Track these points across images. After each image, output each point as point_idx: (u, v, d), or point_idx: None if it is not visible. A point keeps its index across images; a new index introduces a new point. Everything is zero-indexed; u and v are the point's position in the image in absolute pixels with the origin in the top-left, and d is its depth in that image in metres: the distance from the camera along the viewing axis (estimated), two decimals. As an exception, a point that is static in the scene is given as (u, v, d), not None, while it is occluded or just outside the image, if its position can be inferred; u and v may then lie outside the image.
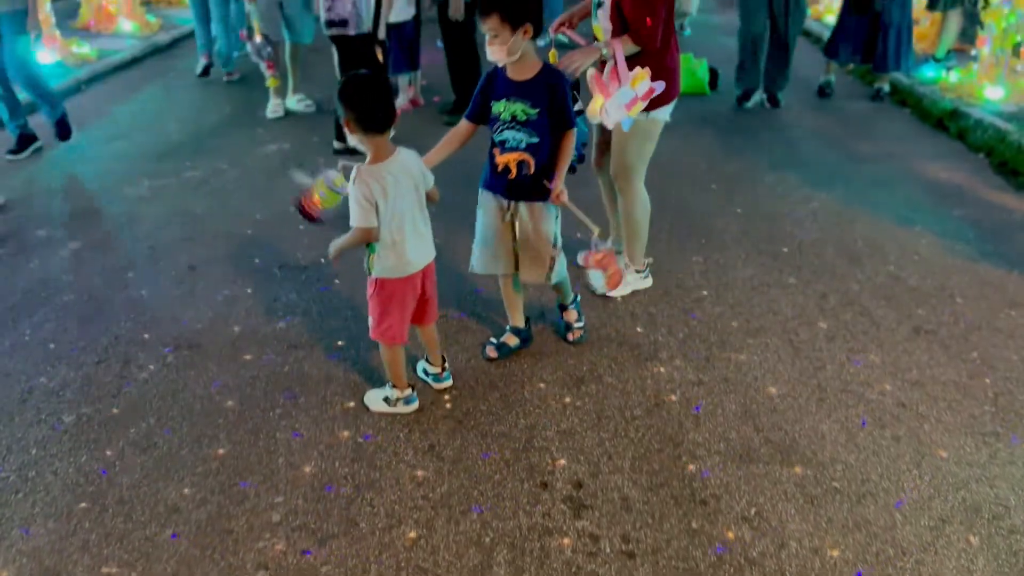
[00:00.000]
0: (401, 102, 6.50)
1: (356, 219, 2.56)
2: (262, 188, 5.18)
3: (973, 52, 6.77)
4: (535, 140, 2.88)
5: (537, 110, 2.84)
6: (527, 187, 2.95)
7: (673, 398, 3.02)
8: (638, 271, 3.86)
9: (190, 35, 9.48)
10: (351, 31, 5.35)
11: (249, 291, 3.86)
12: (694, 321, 3.58)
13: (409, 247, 2.67)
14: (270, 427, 2.86)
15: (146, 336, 3.47)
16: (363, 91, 2.52)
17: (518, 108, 2.86)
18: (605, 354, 3.32)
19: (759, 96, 6.82)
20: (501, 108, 2.89)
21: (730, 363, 3.25)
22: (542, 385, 3.11)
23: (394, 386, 2.91)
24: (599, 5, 3.42)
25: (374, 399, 2.95)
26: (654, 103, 3.37)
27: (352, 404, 2.98)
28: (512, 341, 3.31)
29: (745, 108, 6.80)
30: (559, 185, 2.88)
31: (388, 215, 2.58)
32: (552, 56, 3.21)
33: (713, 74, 7.27)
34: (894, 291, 3.84)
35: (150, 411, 2.96)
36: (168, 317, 3.62)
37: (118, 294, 3.84)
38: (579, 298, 3.45)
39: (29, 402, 3.02)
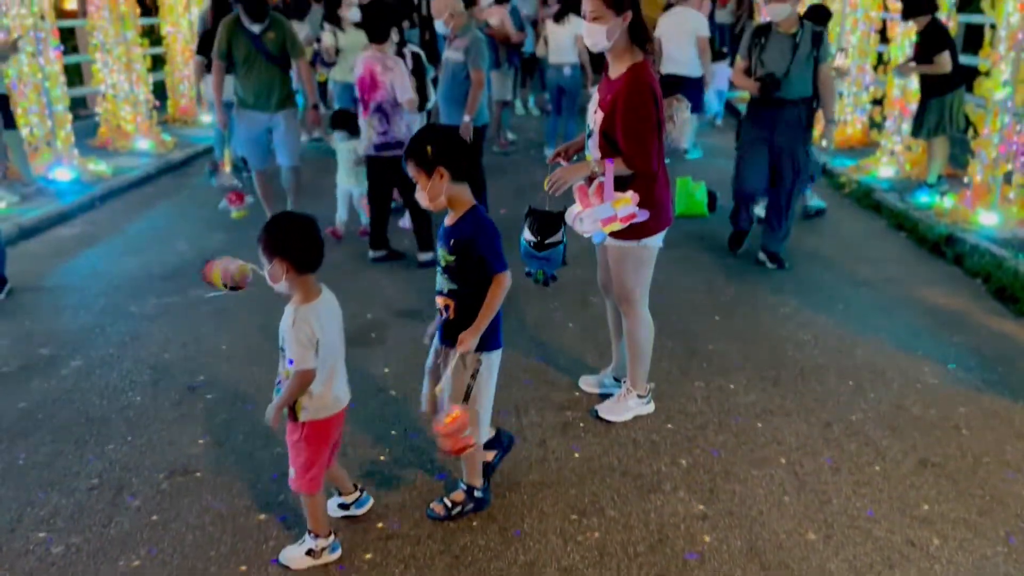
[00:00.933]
0: (406, 223, 6.64)
1: (301, 361, 2.49)
2: (266, 308, 5.22)
3: (966, 179, 6.94)
4: (454, 286, 2.78)
5: (453, 257, 2.73)
6: (449, 332, 2.83)
7: (677, 533, 2.95)
8: (640, 396, 3.84)
9: (204, 153, 9.80)
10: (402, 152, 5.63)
11: (248, 413, 3.83)
12: (697, 450, 3.54)
13: (338, 382, 2.66)
14: (262, 560, 2.79)
15: (141, 461, 3.43)
16: (299, 232, 2.51)
17: (442, 252, 2.78)
18: (608, 484, 3.26)
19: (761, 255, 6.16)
20: (439, 249, 2.84)
21: (735, 495, 3.19)
22: (542, 518, 3.04)
23: (317, 535, 2.75)
24: (590, 135, 3.48)
25: (295, 557, 2.75)
26: (644, 230, 3.44)
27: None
28: (458, 497, 3.05)
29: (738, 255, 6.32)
30: (467, 338, 2.70)
31: (324, 352, 2.54)
32: (547, 183, 3.28)
33: (711, 197, 7.43)
34: (898, 421, 3.80)
35: (141, 542, 2.89)
36: (165, 441, 3.59)
37: (116, 416, 3.82)
38: (480, 495, 3.07)
39: (18, 531, 2.96)
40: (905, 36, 8.25)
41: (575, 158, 3.63)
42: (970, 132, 7.16)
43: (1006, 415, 3.86)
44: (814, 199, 7.41)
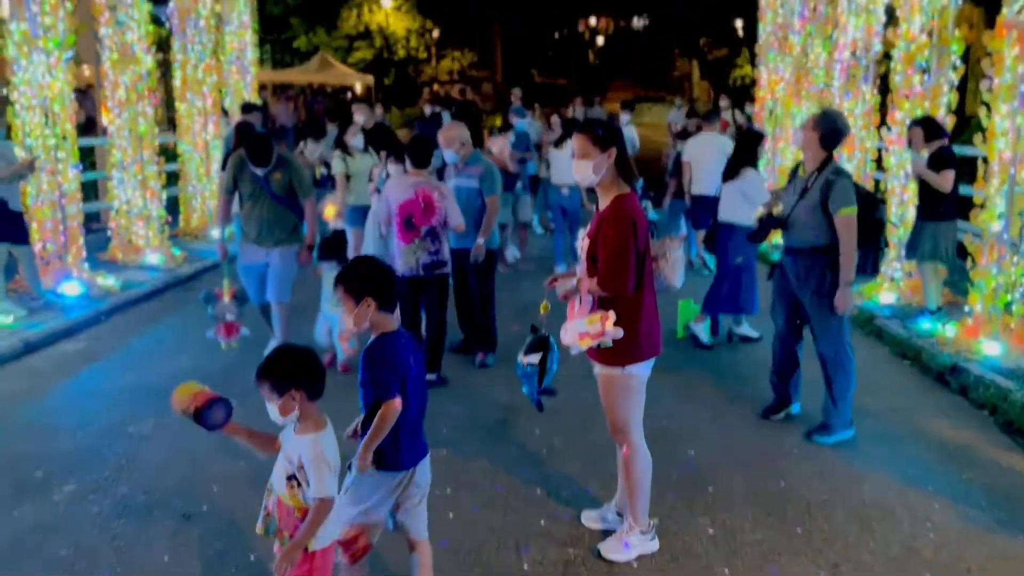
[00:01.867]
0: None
1: (326, 489, 2.54)
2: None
3: (967, 308, 6.98)
4: (363, 410, 2.92)
5: (359, 379, 2.91)
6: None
7: None
8: (643, 532, 3.75)
9: (213, 268, 9.93)
10: (448, 270, 6.03)
11: (245, 543, 3.74)
12: (703, 593, 3.43)
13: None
14: None
15: (130, 596, 3.32)
16: (308, 362, 2.61)
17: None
18: (609, 631, 3.14)
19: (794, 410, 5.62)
20: None
21: (742, 645, 3.07)
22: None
23: None
24: (579, 260, 3.68)
25: None
26: (628, 356, 3.51)
27: None
28: None
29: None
30: (363, 457, 2.82)
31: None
32: (543, 307, 3.55)
33: (713, 321, 7.47)
34: (908, 564, 3.70)
35: None
36: (157, 573, 3.49)
37: (107, 546, 3.73)
38: None
39: (-4, 674, 2.84)
40: (900, 167, 8.46)
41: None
42: (968, 262, 7.25)
43: (1018, 558, 3.75)
44: (745, 325, 7.43)
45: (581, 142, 3.49)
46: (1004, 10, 6.42)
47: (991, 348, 6.49)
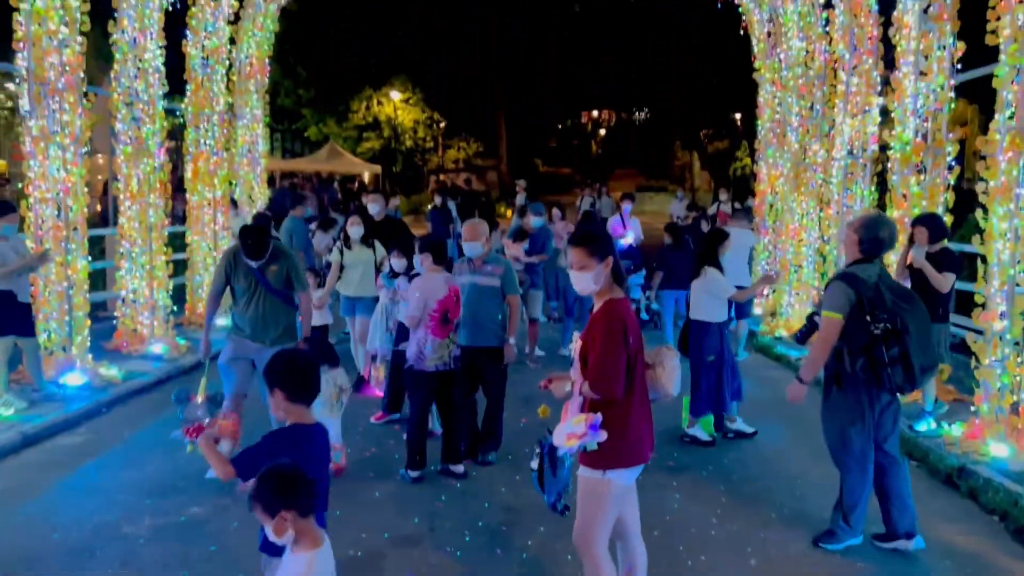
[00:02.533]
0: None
1: None
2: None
3: (972, 408, 6.93)
4: None
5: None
6: None
7: None
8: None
9: (215, 357, 9.92)
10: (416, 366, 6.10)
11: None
12: None
13: None
14: None
15: None
16: (298, 480, 2.56)
17: None
18: None
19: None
20: None
21: None
22: None
23: None
24: (572, 362, 3.72)
25: None
26: (610, 460, 3.49)
27: None
28: None
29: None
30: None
31: None
32: (541, 411, 3.71)
33: (717, 417, 7.41)
34: None
35: None
36: None
37: (95, 658, 3.62)
38: None
39: None
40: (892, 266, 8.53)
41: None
42: (972, 360, 7.23)
43: None
44: (739, 420, 7.39)
45: (579, 255, 3.58)
46: (996, 116, 6.59)
47: (999, 450, 6.41)
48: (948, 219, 8.00)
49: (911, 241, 7.68)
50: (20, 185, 8.43)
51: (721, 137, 39.09)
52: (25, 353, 7.68)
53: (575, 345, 3.70)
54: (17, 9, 7.94)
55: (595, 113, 68.37)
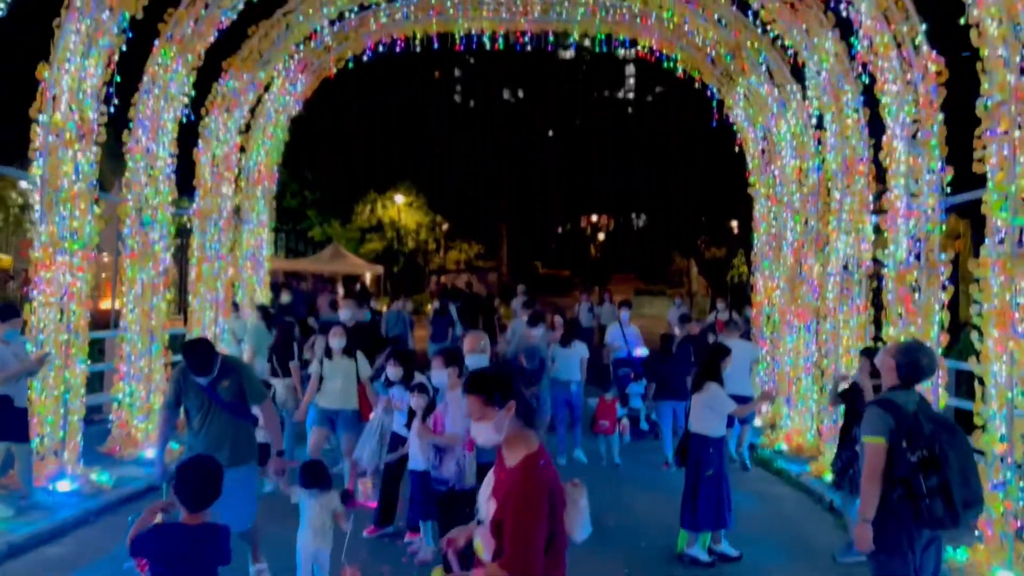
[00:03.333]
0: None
1: None
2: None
3: (976, 532, 6.81)
4: None
5: None
6: None
7: None
8: None
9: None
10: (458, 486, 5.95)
11: None
12: None
13: None
14: None
15: None
16: None
17: None
18: None
19: None
20: None
21: None
22: None
23: None
24: (480, 522, 3.23)
25: None
26: None
27: None
28: None
29: None
30: None
31: None
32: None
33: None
34: None
35: None
36: None
37: None
38: None
39: None
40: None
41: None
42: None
43: None
44: (724, 542, 7.19)
45: (474, 404, 3.17)
46: (987, 240, 6.74)
47: (1006, 577, 6.26)
48: (944, 339, 8.07)
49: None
50: (17, 283, 8.50)
51: (718, 244, 39.72)
52: (17, 458, 7.59)
53: (487, 504, 3.19)
54: (36, 120, 8.22)
55: (594, 217, 69.63)
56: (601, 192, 59.69)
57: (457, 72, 60.23)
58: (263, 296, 14.19)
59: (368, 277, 34.31)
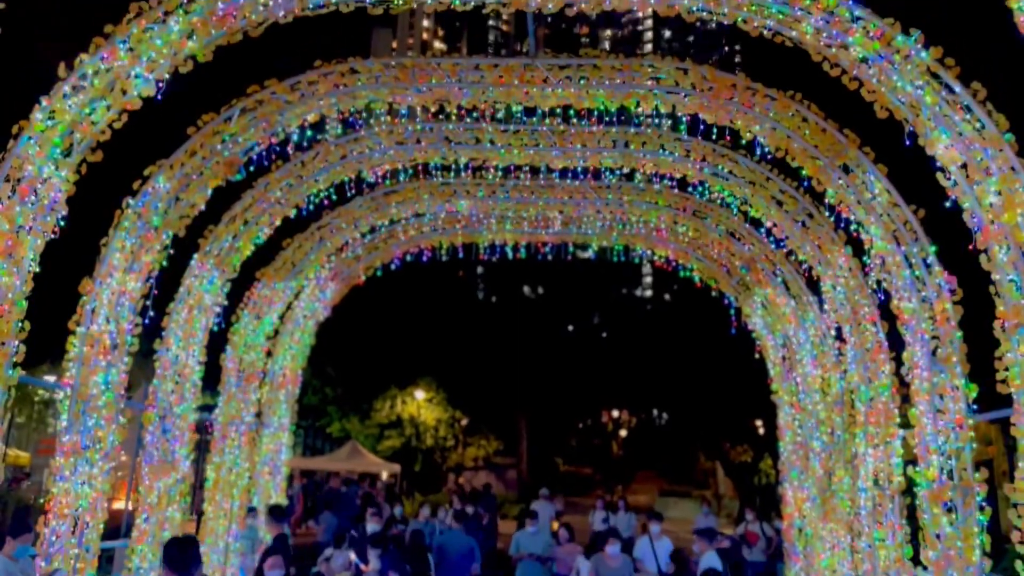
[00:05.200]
0: None
1: None
2: None
3: None
4: None
5: None
6: None
7: None
8: None
9: None
10: None
11: None
12: None
13: None
14: None
15: None
16: None
17: None
18: None
19: None
20: None
21: None
22: None
23: None
24: None
25: None
26: None
27: None
28: None
29: None
30: None
31: None
32: None
33: None
34: None
35: None
36: None
37: None
38: None
39: None
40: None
41: None
42: None
43: None
44: None
45: None
46: (1019, 464, 6.58)
47: None
48: (987, 564, 7.68)
49: None
50: (33, 482, 8.43)
51: (742, 442, 38.94)
52: None
53: None
54: (73, 332, 8.49)
55: (615, 413, 68.93)
56: (622, 388, 59.51)
57: (479, 269, 62.23)
58: (279, 500, 13.92)
59: (384, 475, 33.70)
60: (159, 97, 7.56)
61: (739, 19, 7.46)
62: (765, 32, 7.55)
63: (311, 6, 7.70)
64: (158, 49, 7.31)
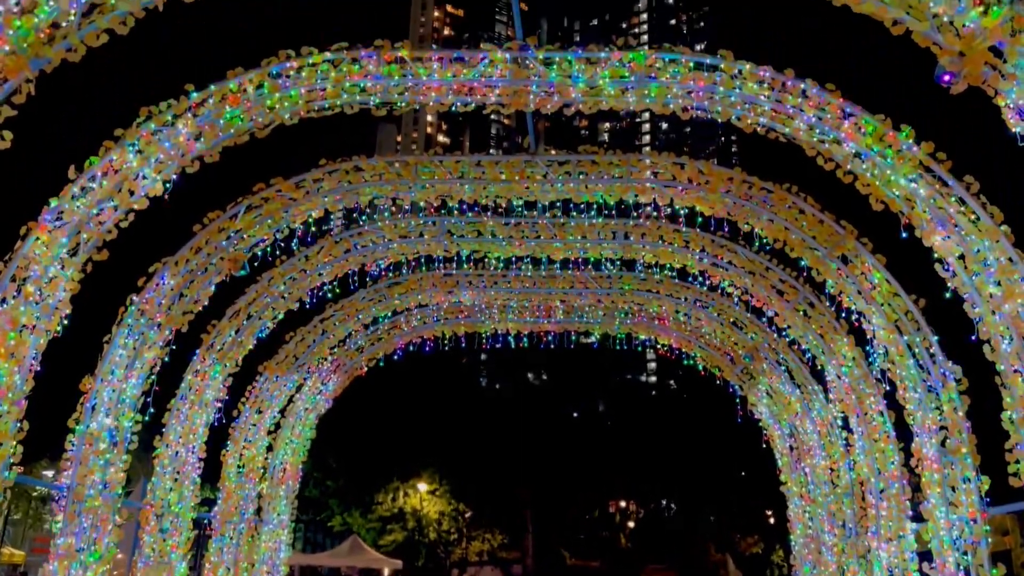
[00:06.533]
0: None
1: None
2: None
3: None
4: None
5: None
6: None
7: None
8: None
9: None
10: None
11: None
12: None
13: None
14: None
15: None
16: None
17: None
18: None
19: None
20: None
21: None
22: None
23: None
24: None
25: None
26: None
27: None
28: None
29: None
30: None
31: None
32: None
33: None
34: None
35: None
36: None
37: None
38: None
39: None
40: None
41: None
42: None
43: None
44: None
45: None
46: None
47: None
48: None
49: None
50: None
51: (752, 532, 37.96)
52: None
53: None
54: (72, 431, 8.42)
55: (623, 503, 67.50)
56: (629, 477, 58.43)
57: (482, 356, 62.00)
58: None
59: (386, 572, 32.79)
60: (166, 197, 7.70)
61: (733, 117, 7.64)
62: (759, 128, 7.72)
63: (317, 108, 7.92)
64: (166, 151, 7.48)
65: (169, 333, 9.24)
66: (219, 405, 10.76)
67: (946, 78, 5.65)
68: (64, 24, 5.80)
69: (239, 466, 11.98)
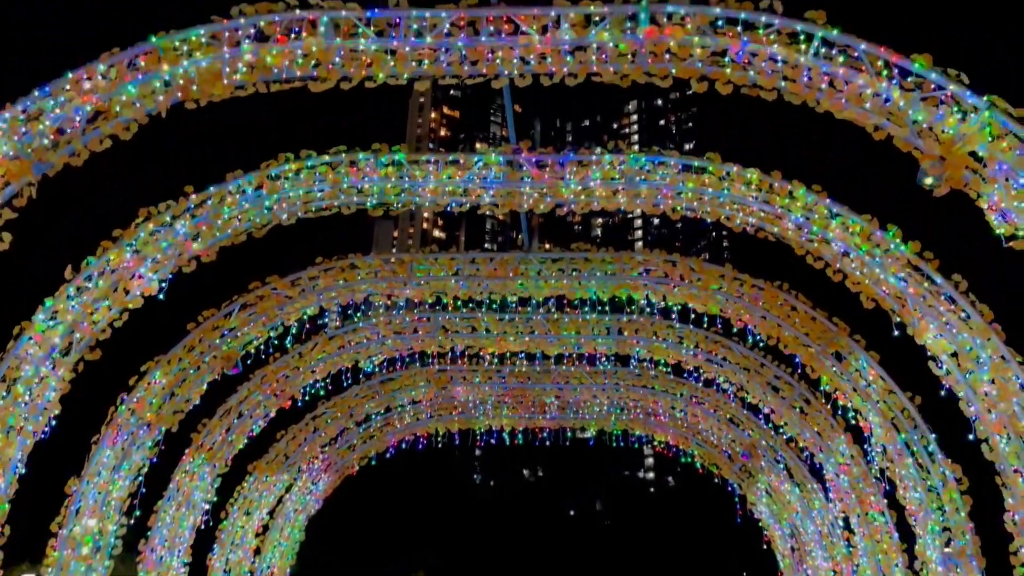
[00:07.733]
0: None
1: None
2: None
3: None
4: None
5: None
6: None
7: None
8: None
9: None
10: None
11: None
12: None
13: None
14: None
15: None
16: None
17: None
18: None
19: None
20: None
21: None
22: None
23: None
24: None
25: None
26: None
27: None
28: None
29: None
30: None
31: None
32: None
33: None
34: None
35: None
36: None
37: None
38: None
39: None
40: None
41: None
42: None
43: None
44: None
45: None
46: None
47: None
48: None
49: None
50: None
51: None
52: None
53: None
54: (55, 534, 8.18)
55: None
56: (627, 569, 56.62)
57: (476, 452, 60.86)
58: None
59: None
60: (161, 296, 7.72)
61: (722, 216, 7.78)
62: (748, 228, 7.85)
63: (314, 209, 8.05)
64: (163, 251, 7.55)
65: (159, 433, 9.11)
66: (207, 507, 10.51)
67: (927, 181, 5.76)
68: (69, 130, 5.94)
69: (225, 570, 11.61)
